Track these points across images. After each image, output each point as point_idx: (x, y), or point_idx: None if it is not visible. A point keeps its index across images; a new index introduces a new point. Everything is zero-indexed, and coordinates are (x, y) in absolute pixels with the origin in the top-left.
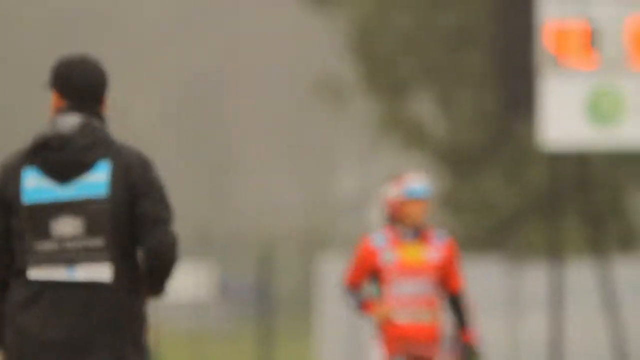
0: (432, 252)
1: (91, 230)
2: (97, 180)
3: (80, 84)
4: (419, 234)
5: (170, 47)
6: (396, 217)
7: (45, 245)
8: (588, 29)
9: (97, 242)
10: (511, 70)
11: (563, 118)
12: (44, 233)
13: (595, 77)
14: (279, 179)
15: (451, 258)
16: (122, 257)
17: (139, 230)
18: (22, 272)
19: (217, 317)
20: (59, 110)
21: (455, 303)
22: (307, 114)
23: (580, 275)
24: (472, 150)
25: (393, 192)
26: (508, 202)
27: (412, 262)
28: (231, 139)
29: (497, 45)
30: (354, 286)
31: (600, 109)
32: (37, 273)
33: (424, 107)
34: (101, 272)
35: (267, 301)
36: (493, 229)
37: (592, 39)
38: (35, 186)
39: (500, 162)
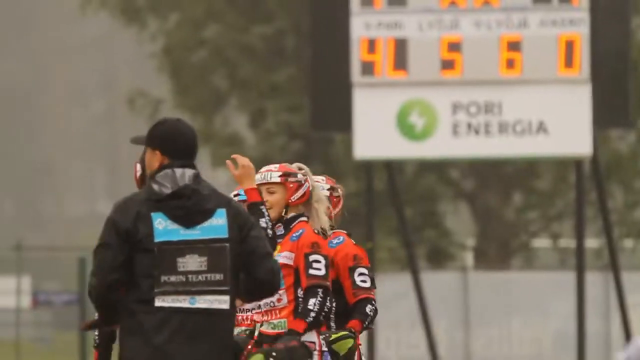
0: None
1: (214, 266)
2: (218, 224)
3: (186, 144)
4: None
5: None
6: None
7: (172, 278)
8: (400, 44)
9: (219, 276)
10: (324, 84)
11: (375, 130)
12: (172, 268)
13: (406, 90)
14: (96, 192)
15: None
16: (234, 290)
17: (248, 264)
18: (150, 301)
19: (34, 327)
20: (162, 167)
21: None
22: (121, 129)
23: (393, 285)
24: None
25: None
26: None
27: None
28: (46, 153)
29: (311, 60)
30: None
31: (411, 121)
32: (164, 302)
33: (236, 121)
34: (221, 302)
35: (87, 311)
36: None
37: (403, 54)
38: (164, 228)
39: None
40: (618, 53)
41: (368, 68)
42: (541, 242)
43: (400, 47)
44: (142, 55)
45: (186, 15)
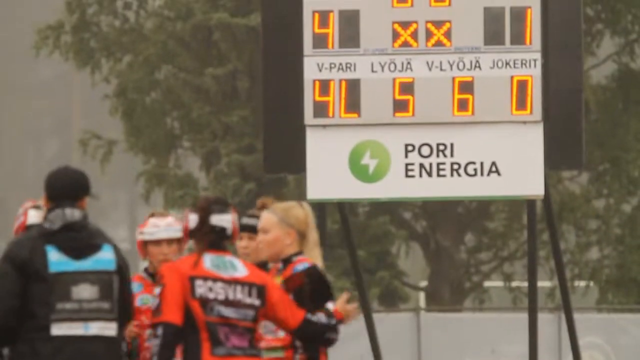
0: None
1: (104, 295)
2: (106, 258)
3: (67, 190)
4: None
5: None
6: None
7: (68, 306)
8: (353, 86)
9: (107, 304)
10: (277, 126)
11: (328, 172)
12: (67, 296)
13: (359, 132)
14: None
15: None
16: (120, 317)
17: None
18: (45, 329)
19: None
20: (52, 208)
21: None
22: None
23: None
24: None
25: (137, 233)
26: None
27: None
28: None
29: (263, 101)
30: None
31: (364, 162)
32: (59, 329)
33: (189, 163)
34: (110, 329)
35: None
36: None
37: (356, 95)
38: (58, 259)
39: None
40: (571, 93)
41: (321, 109)
42: (494, 283)
43: (353, 89)
44: (95, 97)
45: (139, 57)
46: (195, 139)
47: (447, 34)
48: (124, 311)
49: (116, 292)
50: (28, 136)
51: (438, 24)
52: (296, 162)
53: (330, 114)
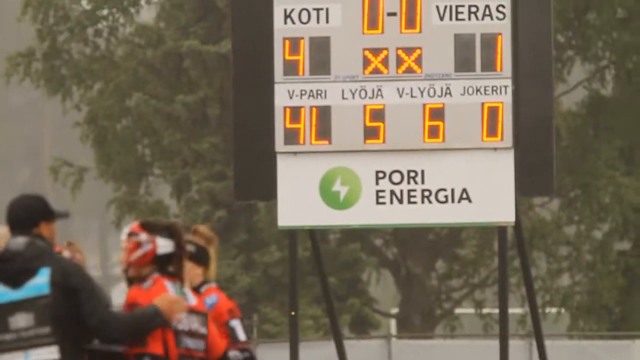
0: None
1: (40, 321)
2: (41, 282)
3: (21, 216)
4: None
5: None
6: None
7: (6, 337)
8: (323, 112)
9: (45, 329)
10: (247, 153)
11: (299, 198)
12: (4, 327)
13: (330, 158)
14: None
15: None
16: (65, 340)
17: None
18: None
19: None
20: (10, 236)
21: None
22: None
23: (317, 354)
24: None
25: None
26: (245, 282)
27: None
28: None
29: (233, 128)
30: None
31: (335, 189)
32: None
33: (160, 190)
34: (52, 353)
35: None
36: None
37: (327, 122)
38: None
39: (237, 244)
40: (541, 120)
41: (291, 136)
42: (465, 310)
43: (324, 116)
44: (66, 124)
45: (110, 84)
46: (166, 166)
47: (418, 61)
48: (79, 326)
49: (60, 312)
50: None
51: (409, 50)
52: (267, 189)
53: (301, 141)
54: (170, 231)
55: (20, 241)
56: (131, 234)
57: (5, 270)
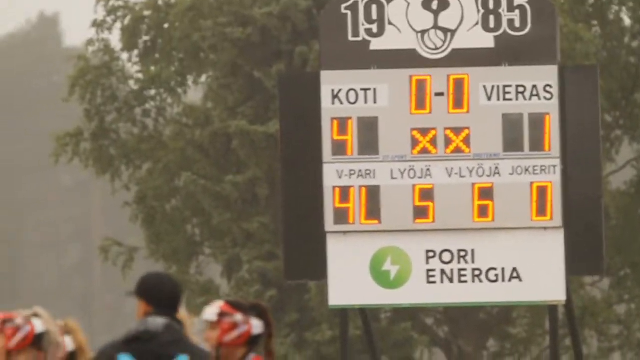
0: None
1: None
2: None
3: (167, 296)
4: None
5: None
6: None
7: None
8: (372, 192)
9: None
10: (297, 233)
11: (350, 278)
12: None
13: (380, 238)
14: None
15: None
16: None
17: None
18: None
19: None
20: (147, 314)
21: None
22: (97, 278)
23: None
24: None
25: None
26: None
27: None
28: (21, 303)
29: (283, 208)
30: None
31: (385, 269)
32: None
33: (211, 270)
34: None
35: None
36: None
37: (376, 202)
38: None
39: (288, 323)
40: (590, 199)
41: (341, 216)
42: None
43: (373, 195)
44: (115, 204)
45: (159, 164)
46: (216, 246)
47: (466, 141)
48: None
49: None
50: (48, 244)
51: (457, 130)
52: (317, 268)
53: (351, 221)
54: (258, 311)
55: (160, 322)
56: (224, 314)
57: (144, 352)
